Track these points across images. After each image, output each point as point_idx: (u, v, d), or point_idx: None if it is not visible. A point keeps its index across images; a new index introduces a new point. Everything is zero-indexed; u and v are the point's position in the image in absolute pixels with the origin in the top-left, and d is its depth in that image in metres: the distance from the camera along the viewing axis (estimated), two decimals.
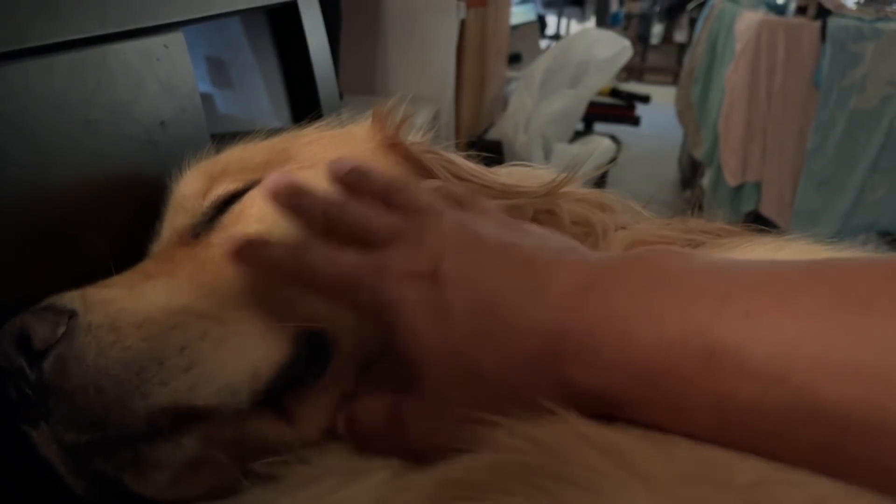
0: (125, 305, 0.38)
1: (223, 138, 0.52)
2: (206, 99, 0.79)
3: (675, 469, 0.26)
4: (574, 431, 0.28)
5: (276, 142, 0.50)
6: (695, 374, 0.27)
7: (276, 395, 0.38)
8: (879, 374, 0.24)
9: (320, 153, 0.49)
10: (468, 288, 0.32)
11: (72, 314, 0.37)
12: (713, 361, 0.26)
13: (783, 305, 0.26)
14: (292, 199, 0.40)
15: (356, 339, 0.40)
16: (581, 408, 0.29)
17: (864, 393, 0.24)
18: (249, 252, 0.38)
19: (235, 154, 0.49)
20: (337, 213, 0.39)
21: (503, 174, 0.52)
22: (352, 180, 0.41)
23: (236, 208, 0.45)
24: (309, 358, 0.39)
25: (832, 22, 2.36)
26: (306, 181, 0.46)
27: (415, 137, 0.52)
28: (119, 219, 0.48)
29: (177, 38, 0.55)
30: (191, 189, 0.47)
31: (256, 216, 0.44)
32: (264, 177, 0.46)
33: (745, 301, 0.27)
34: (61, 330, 0.36)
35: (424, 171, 0.48)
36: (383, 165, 0.49)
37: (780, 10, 2.83)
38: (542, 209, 0.46)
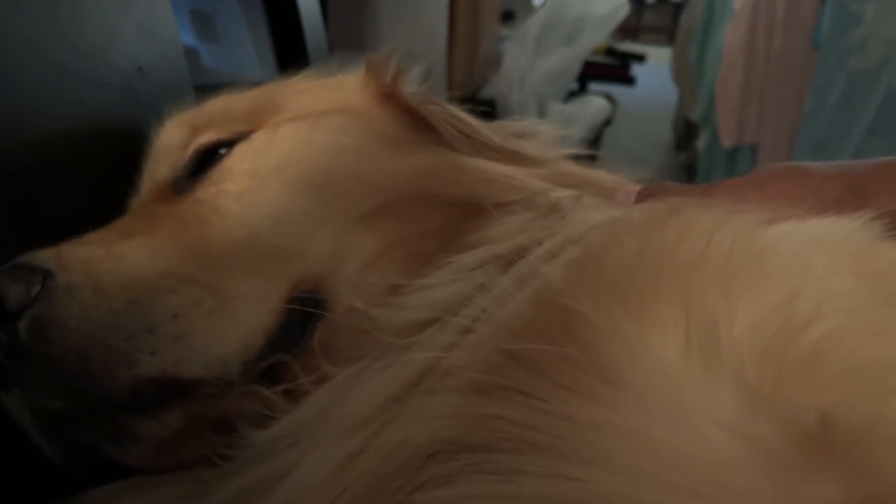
0: (106, 266, 0.36)
1: (206, 90, 0.49)
2: (190, 52, 0.75)
3: None
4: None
5: (263, 91, 0.47)
6: None
7: (269, 362, 0.37)
8: None
9: (310, 103, 0.46)
10: None
11: (47, 273, 0.35)
12: None
13: None
14: None
15: (359, 287, 0.38)
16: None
17: None
18: None
19: (220, 104, 0.46)
20: None
21: (507, 132, 0.49)
22: None
23: (226, 163, 0.42)
24: (303, 320, 0.37)
25: None
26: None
27: (411, 89, 0.49)
28: (95, 171, 0.45)
29: None
30: (173, 140, 0.44)
31: (248, 171, 0.41)
32: (252, 128, 0.44)
33: None
34: (35, 290, 0.34)
35: (424, 125, 0.46)
36: (379, 118, 0.46)
37: None
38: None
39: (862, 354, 0.25)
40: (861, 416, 0.22)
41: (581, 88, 3.37)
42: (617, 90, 3.48)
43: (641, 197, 0.42)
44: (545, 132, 0.51)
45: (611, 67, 3.54)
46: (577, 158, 0.50)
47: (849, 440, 0.22)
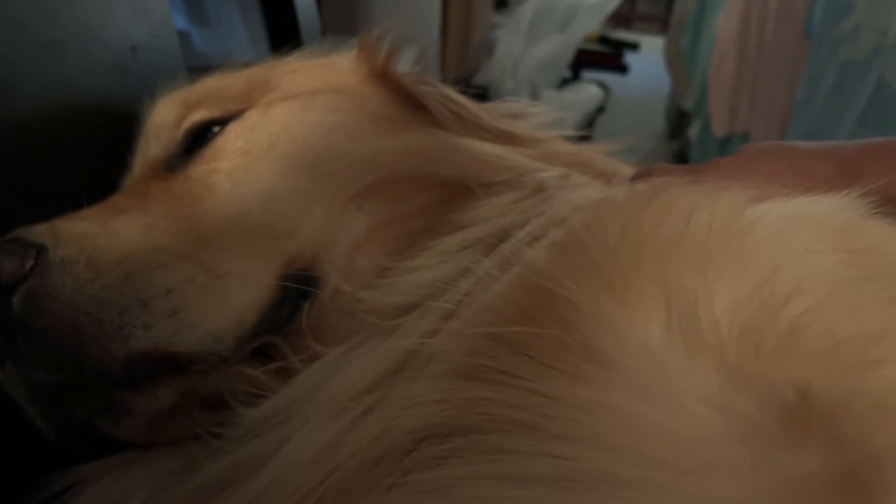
0: (100, 241, 0.36)
1: (199, 71, 0.49)
2: (183, 35, 0.75)
3: None
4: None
5: (255, 70, 0.48)
6: None
7: (262, 340, 0.37)
8: None
9: (303, 83, 0.46)
10: None
11: (41, 248, 0.35)
12: None
13: None
14: None
15: (349, 268, 0.38)
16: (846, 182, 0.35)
17: None
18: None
19: (213, 83, 0.46)
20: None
21: (499, 113, 0.49)
22: None
23: (218, 142, 0.42)
24: (295, 298, 0.38)
25: None
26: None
27: (403, 70, 0.49)
28: (87, 149, 0.45)
29: None
30: (165, 118, 0.44)
31: (241, 149, 0.42)
32: (245, 107, 0.44)
33: None
34: (29, 264, 0.34)
35: (417, 105, 0.46)
36: (371, 98, 0.47)
37: None
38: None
39: (841, 329, 0.25)
40: (839, 389, 0.23)
41: (574, 76, 3.37)
42: (610, 78, 3.47)
43: (635, 181, 0.42)
44: (537, 113, 0.51)
45: (604, 55, 3.54)
46: (569, 140, 0.50)
47: (827, 412, 0.22)
